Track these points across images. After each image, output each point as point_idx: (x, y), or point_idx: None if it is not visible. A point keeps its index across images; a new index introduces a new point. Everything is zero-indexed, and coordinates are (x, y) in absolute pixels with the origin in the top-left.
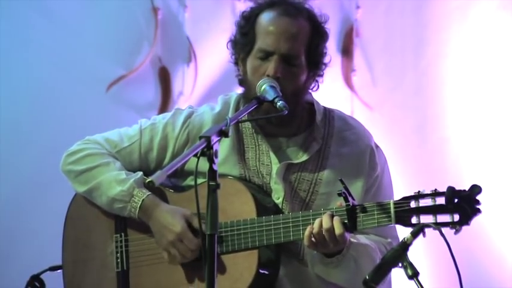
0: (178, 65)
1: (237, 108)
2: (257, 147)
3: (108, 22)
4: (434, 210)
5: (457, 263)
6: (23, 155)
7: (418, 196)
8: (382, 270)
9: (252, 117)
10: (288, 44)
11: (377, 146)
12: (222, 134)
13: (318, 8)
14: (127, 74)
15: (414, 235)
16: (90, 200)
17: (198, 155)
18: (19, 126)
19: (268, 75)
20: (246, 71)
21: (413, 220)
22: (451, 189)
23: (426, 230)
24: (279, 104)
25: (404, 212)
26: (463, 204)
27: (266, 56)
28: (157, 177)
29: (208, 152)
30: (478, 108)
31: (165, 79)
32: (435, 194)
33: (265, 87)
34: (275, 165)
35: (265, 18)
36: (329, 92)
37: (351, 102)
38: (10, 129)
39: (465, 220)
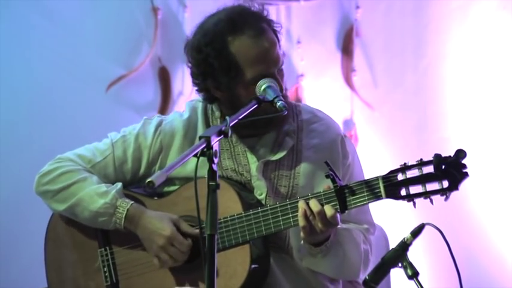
0: (178, 65)
1: (205, 115)
2: (232, 148)
3: (108, 22)
4: (422, 179)
5: (457, 263)
6: (23, 155)
7: (405, 168)
8: (382, 270)
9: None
10: (278, 56)
11: (345, 135)
12: (222, 134)
13: (318, 7)
14: (127, 74)
15: (414, 235)
16: (68, 218)
17: (198, 155)
18: (19, 126)
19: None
20: (236, 97)
21: (403, 192)
22: (437, 156)
23: (418, 199)
24: (278, 104)
25: (393, 185)
26: (450, 170)
27: (264, 77)
28: (157, 177)
29: (208, 152)
30: (478, 108)
31: (165, 79)
32: (421, 163)
33: (265, 88)
34: (253, 164)
35: (244, 47)
36: (329, 92)
37: (351, 102)
38: (10, 129)
39: (454, 185)
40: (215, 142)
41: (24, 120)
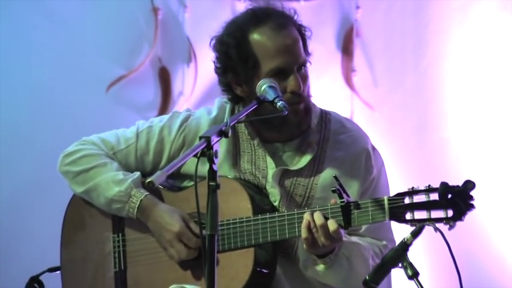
0: (178, 65)
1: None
2: (253, 151)
3: (108, 22)
4: (428, 206)
5: (457, 263)
6: (23, 155)
7: (412, 192)
8: (382, 271)
9: (250, 118)
10: (299, 53)
11: (374, 148)
12: (222, 134)
13: (318, 7)
14: (127, 74)
15: (414, 235)
16: (87, 201)
17: (198, 155)
18: (19, 126)
19: (293, 92)
20: (254, 92)
21: (408, 216)
22: (444, 185)
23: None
24: (279, 104)
25: (398, 208)
26: (456, 200)
27: (282, 73)
28: (157, 177)
29: (208, 152)
30: (478, 108)
31: (165, 79)
32: (429, 190)
33: (265, 88)
34: (271, 170)
35: (263, 37)
36: (329, 92)
37: (351, 102)
38: (10, 130)
39: (458, 216)
40: (215, 142)
41: (24, 121)
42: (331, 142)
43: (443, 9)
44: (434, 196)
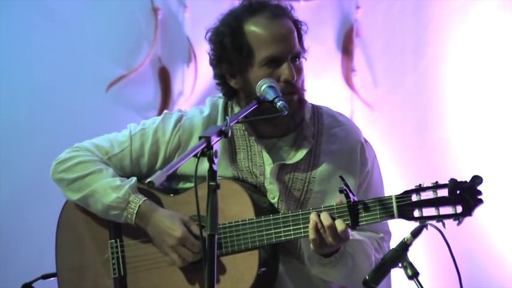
0: (178, 65)
1: (225, 112)
2: (249, 148)
3: (108, 22)
4: (436, 202)
5: (457, 263)
6: (23, 155)
7: (420, 189)
8: (382, 270)
9: (249, 117)
10: (294, 43)
11: (366, 141)
12: (222, 134)
13: (318, 7)
14: (127, 74)
15: (414, 235)
16: (81, 207)
17: (198, 155)
18: (19, 126)
19: (286, 81)
20: (248, 83)
21: (416, 213)
22: (453, 181)
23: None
24: (279, 104)
25: (406, 206)
26: (465, 196)
27: (276, 62)
28: (157, 177)
29: (208, 152)
30: (478, 108)
31: (165, 79)
32: (436, 186)
33: (265, 88)
34: (268, 166)
35: (258, 26)
36: (329, 92)
37: (351, 102)
38: (10, 130)
39: (468, 211)
40: (215, 142)
41: (24, 120)
42: (325, 136)
43: (443, 9)
44: (441, 192)
